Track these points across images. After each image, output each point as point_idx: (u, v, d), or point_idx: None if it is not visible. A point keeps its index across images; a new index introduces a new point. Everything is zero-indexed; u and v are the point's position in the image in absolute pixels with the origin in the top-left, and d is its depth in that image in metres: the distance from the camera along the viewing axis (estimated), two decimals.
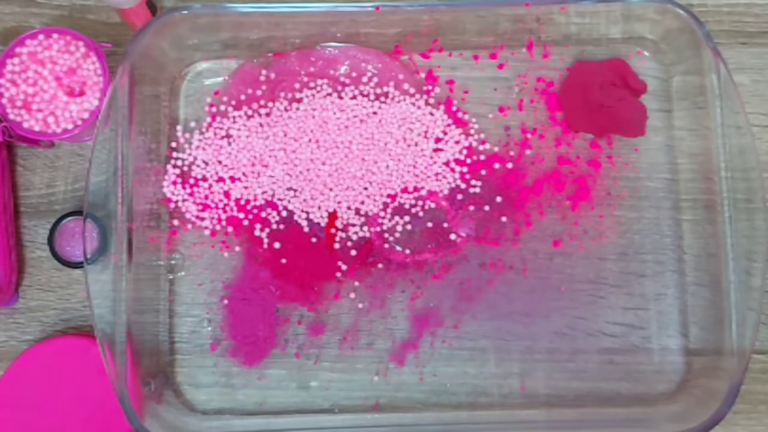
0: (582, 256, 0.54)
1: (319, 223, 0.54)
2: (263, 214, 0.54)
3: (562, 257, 0.54)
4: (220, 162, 0.55)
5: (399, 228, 0.54)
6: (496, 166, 0.55)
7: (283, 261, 0.54)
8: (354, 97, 0.55)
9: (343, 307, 0.54)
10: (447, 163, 0.55)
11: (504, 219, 0.55)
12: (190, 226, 0.54)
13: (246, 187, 0.54)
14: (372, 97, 0.55)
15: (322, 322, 0.54)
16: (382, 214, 0.54)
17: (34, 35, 0.52)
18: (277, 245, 0.54)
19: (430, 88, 0.56)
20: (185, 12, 0.51)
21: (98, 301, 0.48)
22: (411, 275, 0.54)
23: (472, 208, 0.55)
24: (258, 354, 0.54)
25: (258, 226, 0.54)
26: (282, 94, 0.55)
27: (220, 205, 0.54)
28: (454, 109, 0.55)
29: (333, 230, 0.54)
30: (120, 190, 0.49)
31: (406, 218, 0.54)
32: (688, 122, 0.55)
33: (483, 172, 0.55)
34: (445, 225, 0.54)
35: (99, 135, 0.49)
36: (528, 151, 0.55)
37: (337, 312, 0.54)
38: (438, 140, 0.55)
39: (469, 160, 0.55)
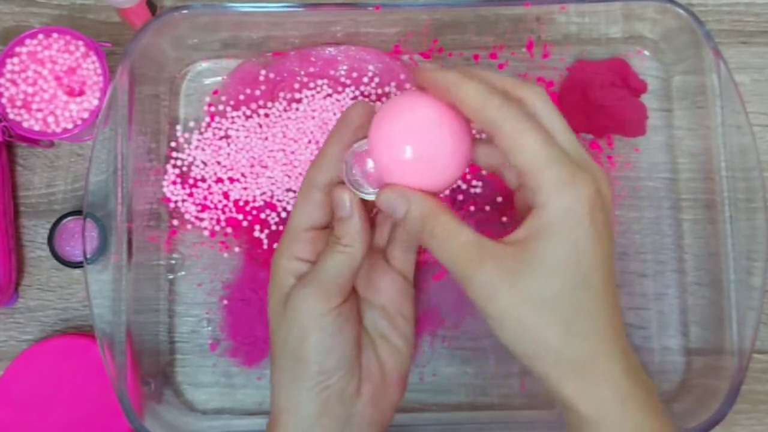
0: None
1: None
2: (262, 215, 0.54)
3: None
4: (218, 163, 0.55)
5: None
6: None
7: None
8: (355, 98, 0.55)
9: None
10: None
11: (504, 219, 0.54)
12: (189, 226, 0.54)
13: (245, 188, 0.54)
14: (373, 97, 0.55)
15: None
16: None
17: (33, 35, 0.52)
18: (276, 246, 0.54)
19: None
20: (185, 11, 0.51)
21: (98, 301, 0.48)
22: None
23: (472, 208, 0.55)
24: (257, 354, 0.54)
25: (257, 227, 0.54)
26: (281, 94, 0.55)
27: (219, 206, 0.54)
28: None
29: None
30: (120, 190, 0.49)
31: None
32: (689, 122, 0.55)
33: (484, 173, 0.55)
34: None
35: (99, 135, 0.49)
36: None
37: None
38: None
39: None
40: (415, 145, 0.38)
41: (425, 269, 0.54)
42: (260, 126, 0.55)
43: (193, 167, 0.55)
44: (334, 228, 0.42)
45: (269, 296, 0.43)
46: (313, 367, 0.40)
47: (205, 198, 0.54)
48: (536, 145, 0.36)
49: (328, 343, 0.41)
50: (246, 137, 0.54)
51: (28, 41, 0.52)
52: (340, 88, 0.55)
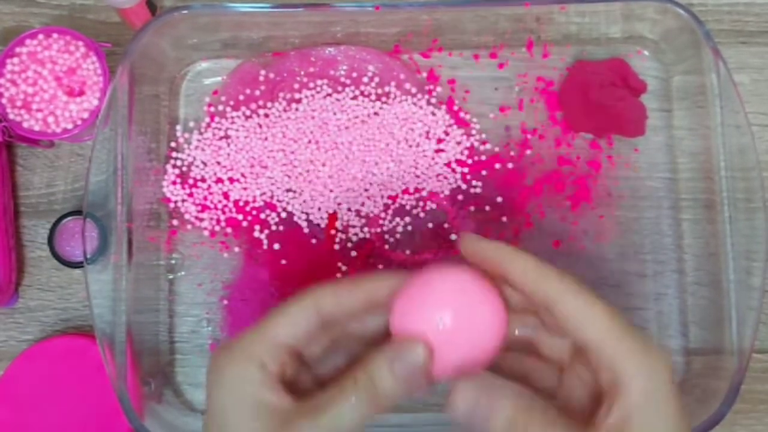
0: (582, 257, 0.54)
1: (318, 225, 0.54)
2: (262, 216, 0.54)
3: (563, 257, 0.54)
4: (218, 163, 0.55)
5: (400, 229, 0.54)
6: (497, 166, 0.55)
7: (283, 262, 0.54)
8: (355, 98, 0.55)
9: None
10: (448, 164, 0.55)
11: (504, 219, 0.54)
12: (189, 226, 0.54)
13: (245, 188, 0.54)
14: (373, 97, 0.55)
15: None
16: (382, 215, 0.54)
17: (33, 35, 0.52)
18: (276, 246, 0.54)
19: (432, 87, 0.56)
20: (185, 12, 0.51)
21: (98, 301, 0.48)
22: None
23: (472, 208, 0.55)
24: None
25: (257, 227, 0.54)
26: (281, 95, 0.55)
27: (219, 206, 0.54)
28: (456, 108, 0.55)
29: (333, 231, 0.54)
30: (120, 190, 0.49)
31: (407, 219, 0.54)
32: (688, 122, 0.55)
33: (484, 173, 0.55)
34: (446, 225, 0.54)
35: (99, 135, 0.49)
36: (528, 152, 0.55)
37: None
38: (440, 141, 0.55)
39: (470, 161, 0.55)
40: (463, 318, 0.36)
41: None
42: (260, 126, 0.55)
43: (193, 167, 0.55)
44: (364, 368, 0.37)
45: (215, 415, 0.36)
46: None
47: (205, 198, 0.54)
48: (606, 317, 0.35)
49: None
50: (246, 137, 0.54)
51: (28, 41, 0.52)
52: (339, 88, 0.55)
